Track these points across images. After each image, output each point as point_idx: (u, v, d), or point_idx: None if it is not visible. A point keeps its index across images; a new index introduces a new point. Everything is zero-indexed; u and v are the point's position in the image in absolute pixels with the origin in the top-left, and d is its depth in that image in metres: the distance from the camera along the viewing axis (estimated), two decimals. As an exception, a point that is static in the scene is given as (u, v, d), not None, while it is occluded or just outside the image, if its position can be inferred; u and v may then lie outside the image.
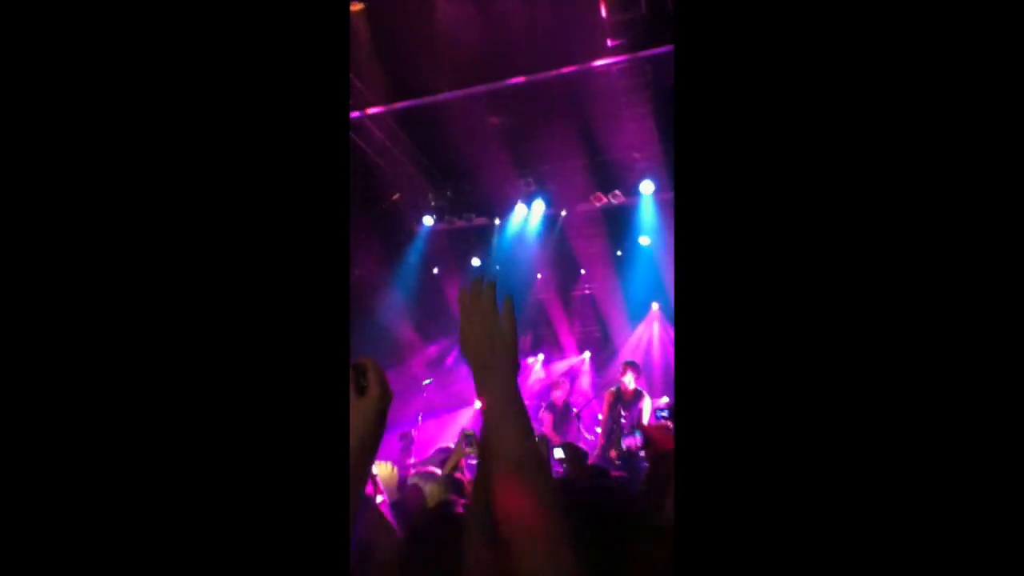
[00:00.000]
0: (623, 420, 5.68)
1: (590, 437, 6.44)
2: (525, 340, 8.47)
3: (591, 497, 0.99)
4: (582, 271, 9.00)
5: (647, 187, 7.42)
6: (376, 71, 6.01)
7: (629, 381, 5.82)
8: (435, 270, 8.74)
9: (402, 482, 2.78)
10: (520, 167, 7.79)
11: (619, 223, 8.05)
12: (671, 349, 8.00)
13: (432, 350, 8.68)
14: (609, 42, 5.70)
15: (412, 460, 5.63)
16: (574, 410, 6.62)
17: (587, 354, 8.67)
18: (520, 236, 8.35)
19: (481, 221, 8.46)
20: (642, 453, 5.08)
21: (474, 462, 3.01)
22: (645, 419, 5.51)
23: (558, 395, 6.57)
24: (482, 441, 0.96)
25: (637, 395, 5.77)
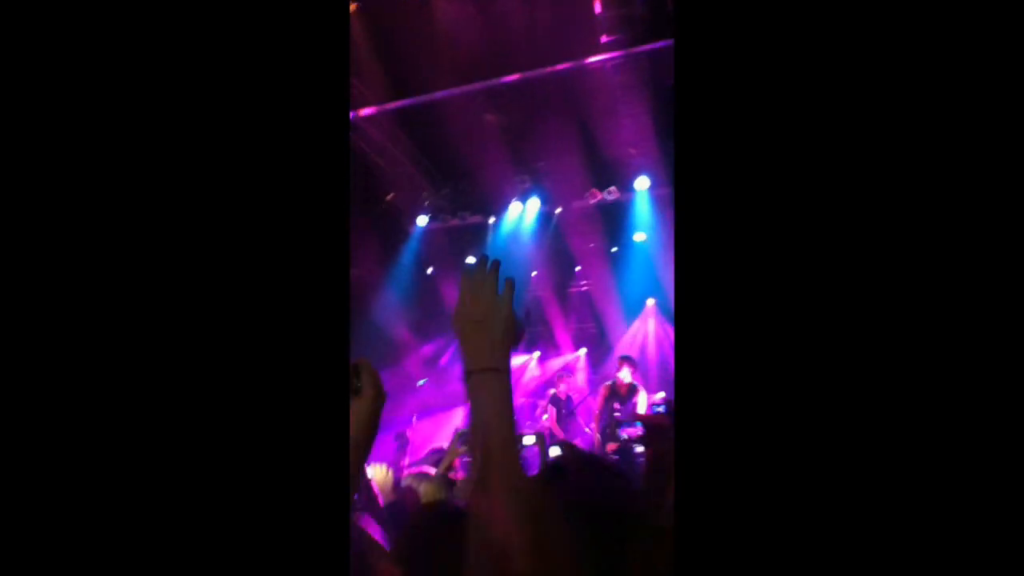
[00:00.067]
0: (617, 414, 5.69)
1: (588, 431, 6.46)
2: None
3: (591, 497, 0.99)
4: (577, 268, 9.01)
5: (642, 183, 7.43)
6: (373, 70, 6.02)
7: (625, 375, 5.83)
8: (430, 270, 8.73)
9: (397, 484, 2.77)
10: (515, 164, 7.79)
11: (614, 219, 8.07)
12: (666, 345, 8.03)
13: (427, 350, 8.69)
14: (604, 38, 5.70)
15: (407, 460, 5.64)
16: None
17: (583, 351, 8.68)
18: (515, 234, 8.36)
19: (476, 219, 8.47)
20: (639, 448, 5.10)
21: (468, 460, 3.01)
22: (641, 412, 5.53)
23: (562, 388, 6.59)
24: (470, 432, 0.95)
25: (632, 389, 5.79)
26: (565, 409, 6.49)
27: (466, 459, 3.12)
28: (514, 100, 6.52)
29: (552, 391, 6.71)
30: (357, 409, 0.94)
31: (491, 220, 8.46)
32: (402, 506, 2.42)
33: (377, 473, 2.55)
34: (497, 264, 1.00)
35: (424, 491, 2.48)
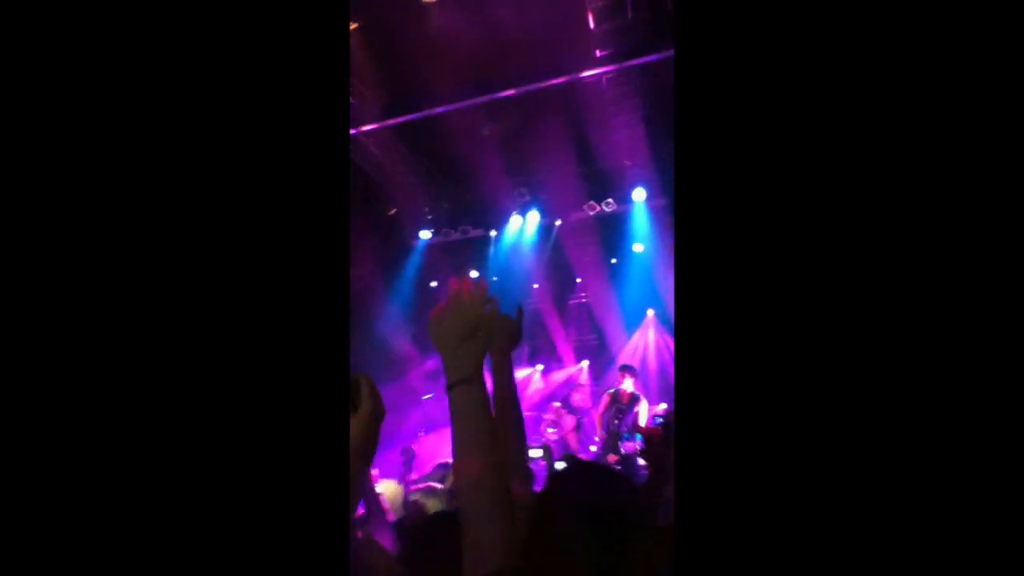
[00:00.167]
0: (617, 423, 5.69)
1: (597, 439, 6.44)
2: (522, 351, 8.47)
3: (591, 497, 1.00)
4: (577, 280, 9.02)
5: (639, 194, 7.45)
6: (371, 86, 6.07)
7: (627, 385, 5.83)
8: (433, 284, 8.75)
9: (407, 499, 2.78)
10: (514, 178, 7.82)
11: (613, 231, 8.08)
12: (667, 355, 8.01)
13: (431, 364, 8.65)
14: (598, 52, 5.77)
15: (414, 476, 5.61)
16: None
17: (585, 363, 8.66)
18: (516, 247, 8.37)
19: (477, 233, 8.48)
20: (641, 461, 5.08)
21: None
22: (642, 422, 5.52)
23: (578, 398, 6.56)
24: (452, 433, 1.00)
25: (633, 399, 5.79)
26: (581, 419, 6.49)
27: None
28: (511, 114, 6.57)
29: (565, 400, 6.69)
30: (354, 424, 0.94)
31: (492, 233, 8.48)
32: (410, 521, 2.44)
33: (388, 489, 2.57)
34: (482, 284, 1.06)
35: (431, 506, 2.49)
